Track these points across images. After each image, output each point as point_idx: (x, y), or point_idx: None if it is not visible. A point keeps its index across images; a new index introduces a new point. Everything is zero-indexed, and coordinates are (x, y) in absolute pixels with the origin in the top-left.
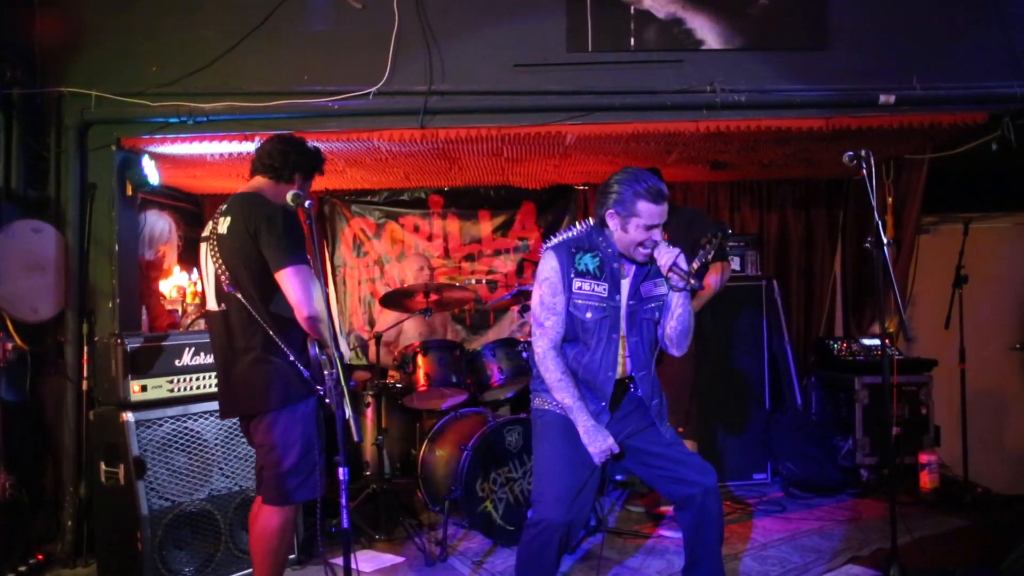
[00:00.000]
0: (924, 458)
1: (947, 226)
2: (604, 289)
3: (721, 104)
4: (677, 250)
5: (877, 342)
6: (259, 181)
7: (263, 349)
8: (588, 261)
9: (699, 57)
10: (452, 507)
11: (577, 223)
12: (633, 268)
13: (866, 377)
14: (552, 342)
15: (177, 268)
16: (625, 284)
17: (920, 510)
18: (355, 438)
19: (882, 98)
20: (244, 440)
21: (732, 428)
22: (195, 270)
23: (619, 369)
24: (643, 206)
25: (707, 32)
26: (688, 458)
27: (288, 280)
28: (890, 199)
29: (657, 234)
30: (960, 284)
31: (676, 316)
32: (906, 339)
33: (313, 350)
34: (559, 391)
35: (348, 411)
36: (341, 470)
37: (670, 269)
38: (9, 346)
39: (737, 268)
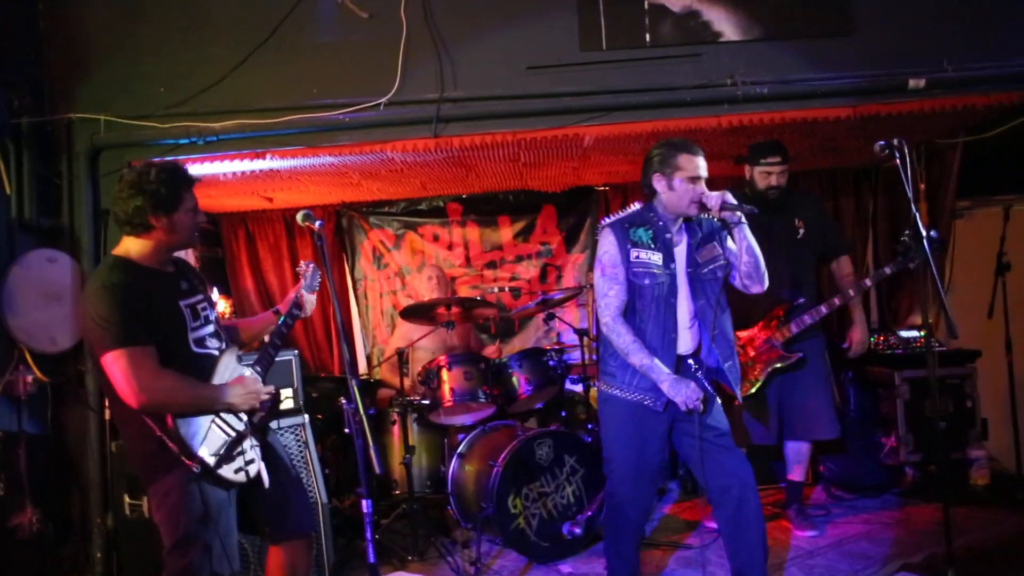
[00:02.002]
0: (972, 454)
1: (982, 210)
2: (659, 258)
3: (743, 97)
4: (722, 192)
5: (915, 333)
6: (124, 242)
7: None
8: (642, 234)
9: (718, 50)
10: (484, 524)
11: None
12: (685, 237)
13: (906, 371)
14: (618, 310)
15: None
16: (680, 253)
17: (972, 509)
18: (377, 470)
19: (912, 83)
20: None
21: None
22: (215, 289)
23: (683, 337)
24: (683, 159)
25: (725, 23)
26: (731, 449)
27: (107, 369)
28: (922, 186)
29: (702, 186)
30: (1003, 271)
31: (744, 250)
32: (952, 336)
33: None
34: (633, 354)
35: (368, 440)
36: (364, 503)
37: (722, 208)
38: (29, 379)
39: None
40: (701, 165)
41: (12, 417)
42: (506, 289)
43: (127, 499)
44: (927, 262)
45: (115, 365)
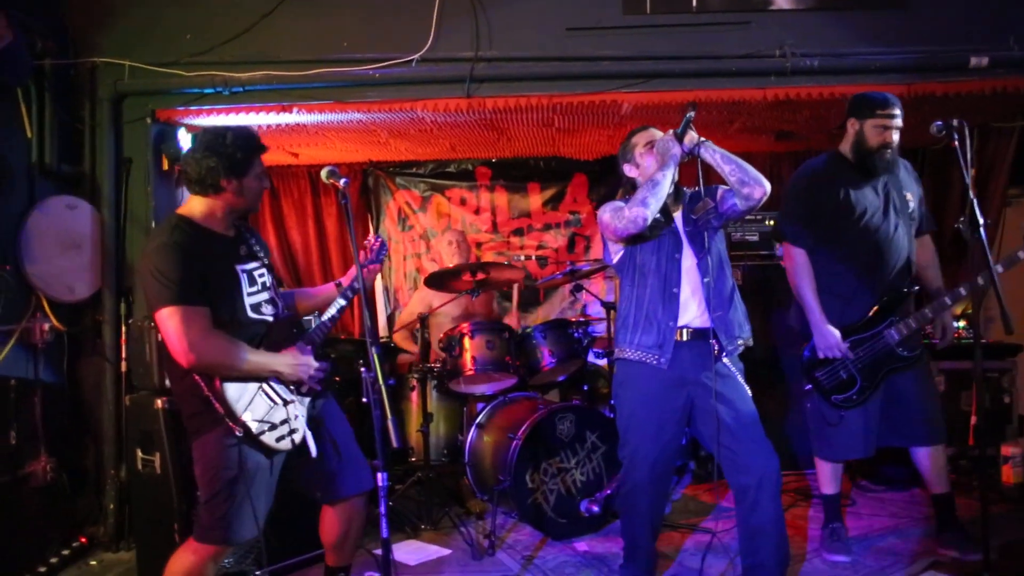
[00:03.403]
0: (1007, 450)
1: None
2: (658, 217)
3: (791, 70)
4: (670, 132)
5: (955, 324)
6: (190, 201)
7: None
8: None
9: (767, 18)
10: (500, 496)
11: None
12: (680, 207)
13: (944, 362)
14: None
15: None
16: (678, 217)
17: (1005, 508)
18: (394, 444)
19: (973, 60)
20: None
21: (794, 413)
22: None
23: (691, 303)
24: (635, 138)
25: None
26: (755, 441)
27: (160, 324)
28: (973, 171)
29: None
30: None
31: (721, 161)
32: (1008, 332)
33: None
34: (643, 193)
35: (388, 413)
36: (380, 476)
37: (674, 139)
38: (46, 327)
39: None
40: (653, 132)
41: (28, 365)
42: (532, 258)
43: (140, 454)
44: (984, 251)
45: (169, 321)
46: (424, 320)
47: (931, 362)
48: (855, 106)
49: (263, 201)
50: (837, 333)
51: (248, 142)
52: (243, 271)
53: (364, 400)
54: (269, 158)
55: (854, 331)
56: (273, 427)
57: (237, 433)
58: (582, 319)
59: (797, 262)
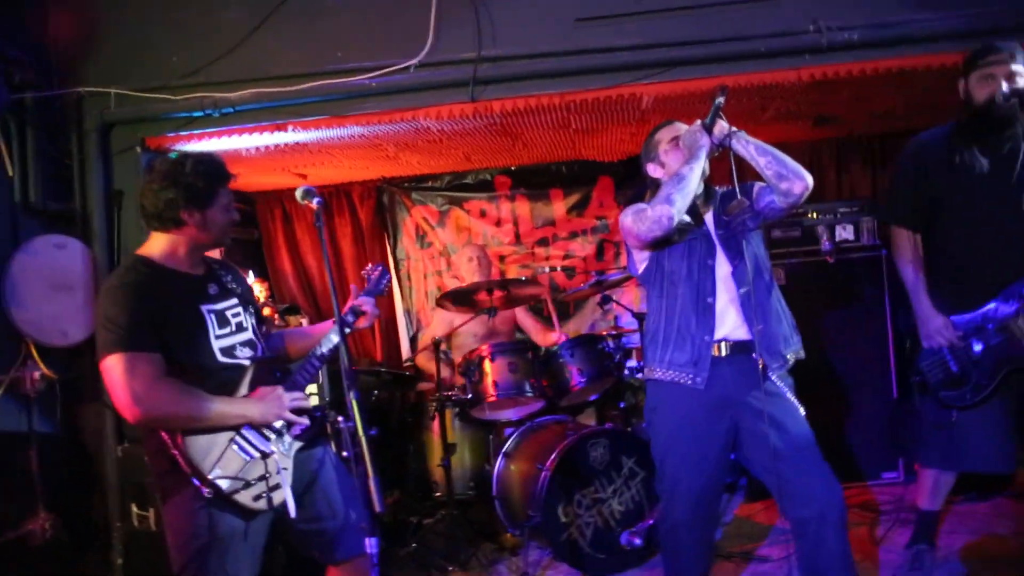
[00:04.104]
0: None
1: None
2: (687, 219)
3: (828, 45)
4: (697, 122)
5: None
6: (150, 239)
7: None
8: None
9: None
10: (533, 532)
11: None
12: (711, 208)
13: None
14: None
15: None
16: (708, 219)
17: None
18: (377, 508)
19: None
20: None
21: (855, 420)
22: (251, 272)
23: (728, 314)
24: (659, 134)
25: None
26: (813, 467)
27: (104, 375)
28: None
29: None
30: None
31: (755, 154)
32: None
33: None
34: (667, 189)
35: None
36: (368, 541)
37: (702, 128)
38: (36, 375)
39: (850, 237)
40: (678, 126)
41: (21, 416)
42: (558, 269)
43: (135, 509)
44: None
45: (113, 370)
46: (438, 345)
47: None
48: (962, 67)
49: (276, 226)
50: (943, 316)
51: (210, 170)
52: (210, 312)
53: (345, 454)
54: (277, 181)
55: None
56: (248, 485)
57: (205, 494)
58: (614, 331)
59: (901, 244)
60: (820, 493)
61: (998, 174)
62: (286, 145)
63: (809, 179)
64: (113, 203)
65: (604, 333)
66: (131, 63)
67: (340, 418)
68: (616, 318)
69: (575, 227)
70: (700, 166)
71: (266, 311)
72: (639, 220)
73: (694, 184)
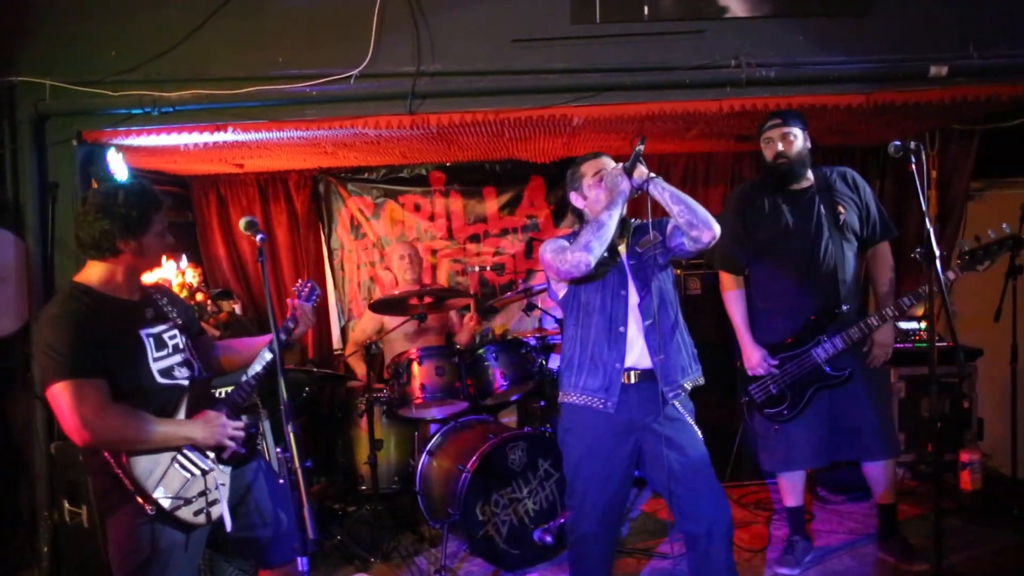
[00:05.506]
0: (965, 456)
1: (995, 192)
2: (604, 254)
3: (747, 80)
4: (619, 166)
5: (915, 325)
6: (87, 267)
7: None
8: None
9: (722, 26)
10: (452, 527)
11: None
12: (625, 240)
13: (904, 368)
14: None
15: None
16: (622, 249)
17: (962, 520)
18: (311, 535)
19: (933, 70)
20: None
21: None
22: (184, 257)
23: (637, 343)
24: (584, 167)
25: None
26: (704, 488)
27: (51, 402)
28: (934, 173)
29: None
30: (1015, 274)
31: (670, 201)
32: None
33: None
34: (587, 236)
35: (304, 499)
36: (300, 561)
37: (623, 171)
38: None
39: None
40: (603, 161)
41: None
42: (488, 268)
43: (67, 505)
44: (932, 265)
45: (60, 398)
46: (369, 348)
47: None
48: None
49: (210, 211)
50: (762, 351)
51: (143, 198)
52: (148, 335)
53: (281, 481)
54: (214, 168)
55: (783, 348)
56: (189, 501)
57: (148, 511)
58: (538, 334)
59: (726, 284)
60: (709, 512)
61: (800, 223)
62: (224, 143)
63: (717, 228)
64: (48, 194)
65: (527, 335)
66: (68, 54)
67: (278, 449)
68: (541, 317)
69: (506, 225)
70: (619, 213)
71: (199, 296)
72: (559, 260)
73: (612, 231)
